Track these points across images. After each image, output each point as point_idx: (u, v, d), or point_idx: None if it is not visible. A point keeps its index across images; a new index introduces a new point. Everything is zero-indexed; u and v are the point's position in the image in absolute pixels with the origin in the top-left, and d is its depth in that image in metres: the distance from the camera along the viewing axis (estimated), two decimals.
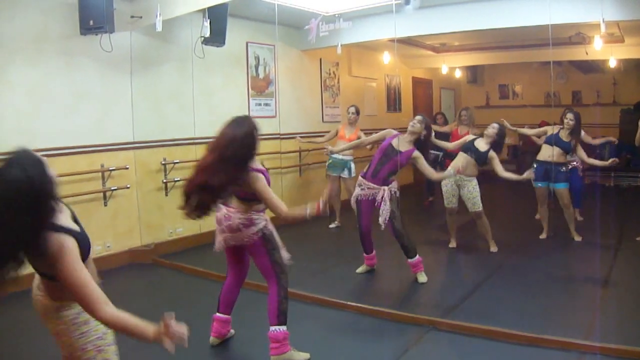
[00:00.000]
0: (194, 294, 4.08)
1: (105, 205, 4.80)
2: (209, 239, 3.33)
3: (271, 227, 2.90)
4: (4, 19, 4.05)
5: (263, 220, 2.84)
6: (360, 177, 4.31)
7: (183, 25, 5.21)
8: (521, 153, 8.65)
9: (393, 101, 8.74)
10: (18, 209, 1.48)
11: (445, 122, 7.34)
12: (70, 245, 1.60)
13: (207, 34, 4.90)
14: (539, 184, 5.22)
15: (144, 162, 5.16)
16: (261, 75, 6.35)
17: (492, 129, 4.85)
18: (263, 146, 6.06)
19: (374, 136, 4.59)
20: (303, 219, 2.71)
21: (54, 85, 4.39)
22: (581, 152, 5.08)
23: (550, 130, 5.22)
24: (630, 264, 4.56)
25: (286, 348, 2.82)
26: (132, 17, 4.74)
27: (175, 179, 5.29)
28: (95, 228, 4.64)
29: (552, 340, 2.96)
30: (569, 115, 5.08)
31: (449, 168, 4.57)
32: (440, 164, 5.98)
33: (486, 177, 5.13)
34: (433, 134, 4.53)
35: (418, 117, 4.27)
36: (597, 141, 5.98)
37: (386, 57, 8.06)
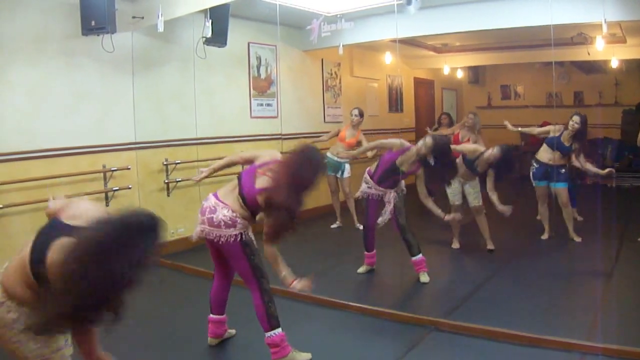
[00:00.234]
0: (195, 294, 4.06)
1: (107, 205, 4.79)
2: None
3: (251, 235, 2.82)
4: (4, 19, 4.06)
5: (245, 226, 2.76)
6: (367, 175, 4.31)
7: (185, 26, 5.22)
8: (522, 153, 8.64)
9: (395, 101, 8.73)
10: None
11: (451, 123, 7.20)
12: None
13: (209, 35, 4.90)
14: (539, 183, 5.22)
15: (146, 163, 5.16)
16: (263, 76, 6.35)
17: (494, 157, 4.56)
18: (264, 147, 6.14)
19: (388, 142, 4.28)
20: (274, 269, 2.69)
21: (55, 85, 4.40)
22: (581, 159, 4.98)
23: (553, 131, 5.15)
24: (631, 265, 4.55)
25: (287, 350, 2.79)
26: (133, 17, 4.75)
27: (177, 180, 5.29)
28: None
29: (554, 341, 2.95)
30: (575, 118, 4.94)
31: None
32: None
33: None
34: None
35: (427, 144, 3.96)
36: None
37: (388, 58, 8.06)
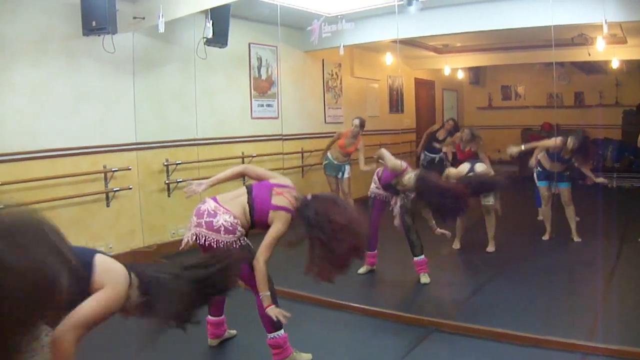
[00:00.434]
0: None
1: (108, 206, 4.80)
2: None
3: (247, 240, 2.80)
4: (6, 21, 4.06)
5: (242, 235, 2.75)
6: (375, 177, 4.38)
7: (185, 26, 5.22)
8: (523, 154, 8.63)
9: (395, 102, 8.73)
10: None
11: (455, 129, 6.89)
12: None
13: (210, 35, 4.91)
14: (542, 184, 5.24)
15: (147, 163, 5.16)
16: (263, 76, 6.36)
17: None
18: (265, 147, 6.15)
19: (388, 159, 4.08)
20: (257, 287, 2.65)
21: (56, 86, 4.40)
22: (586, 170, 5.06)
23: (552, 148, 5.03)
24: (632, 265, 4.55)
25: (288, 351, 2.79)
26: (134, 18, 4.75)
27: (178, 180, 5.29)
28: (98, 229, 4.66)
29: (555, 342, 2.95)
30: (572, 141, 4.82)
31: None
32: (439, 164, 5.94)
33: None
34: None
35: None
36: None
37: (388, 58, 8.05)
